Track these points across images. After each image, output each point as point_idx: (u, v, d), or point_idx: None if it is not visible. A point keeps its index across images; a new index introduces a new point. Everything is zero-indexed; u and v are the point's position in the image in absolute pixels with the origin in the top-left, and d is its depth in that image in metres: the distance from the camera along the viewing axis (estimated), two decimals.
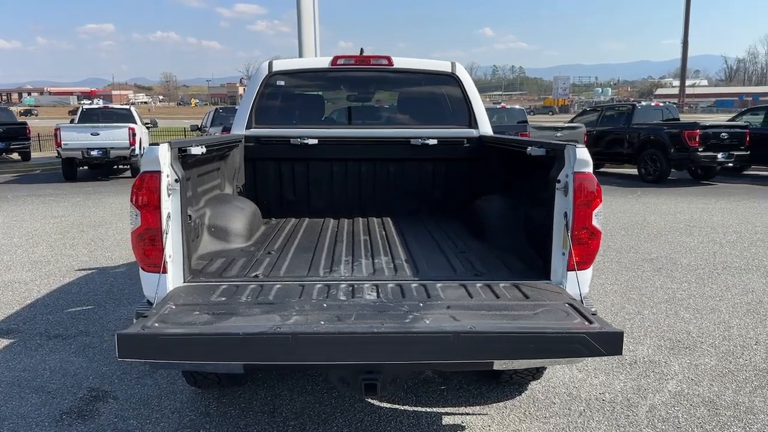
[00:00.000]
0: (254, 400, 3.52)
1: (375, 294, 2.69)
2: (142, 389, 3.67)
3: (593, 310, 2.54)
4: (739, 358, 4.15)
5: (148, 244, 2.72)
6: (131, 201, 2.73)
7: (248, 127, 4.53)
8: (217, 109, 17.12)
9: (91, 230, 8.74)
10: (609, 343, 2.18)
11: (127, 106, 18.03)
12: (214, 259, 3.25)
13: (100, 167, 15.31)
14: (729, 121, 16.64)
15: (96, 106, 18.12)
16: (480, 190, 4.45)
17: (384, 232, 4.04)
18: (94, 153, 14.09)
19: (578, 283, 2.75)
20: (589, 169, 2.74)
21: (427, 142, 4.49)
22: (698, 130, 13.48)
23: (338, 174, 4.60)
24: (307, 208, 4.64)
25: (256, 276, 2.98)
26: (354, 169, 4.59)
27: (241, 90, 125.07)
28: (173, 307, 2.47)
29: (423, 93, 4.75)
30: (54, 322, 4.86)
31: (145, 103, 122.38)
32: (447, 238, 3.78)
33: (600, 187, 2.77)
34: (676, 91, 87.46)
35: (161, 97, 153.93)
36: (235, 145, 4.29)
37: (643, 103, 17.43)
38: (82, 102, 63.34)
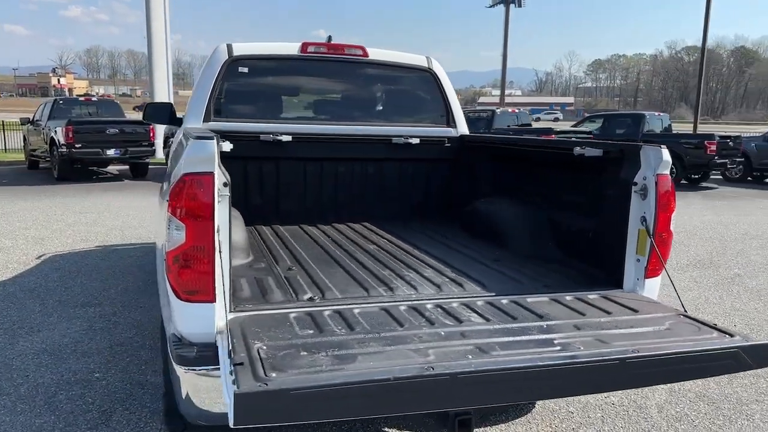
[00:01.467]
0: None
1: (476, 315, 2.32)
2: None
3: (710, 321, 2.41)
4: None
5: (195, 266, 2.11)
6: (170, 212, 2.10)
7: (206, 120, 3.86)
8: (56, 100, 14.95)
9: None
10: (760, 356, 2.06)
11: None
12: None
13: None
14: (572, 127, 18.36)
15: None
16: (462, 193, 4.22)
17: (385, 240, 3.64)
18: None
19: (655, 290, 2.63)
20: (668, 171, 2.62)
21: (410, 141, 4.16)
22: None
23: (313, 175, 4.09)
24: (276, 213, 4.07)
25: (312, 299, 2.47)
26: (330, 170, 4.12)
27: (54, 80, 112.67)
28: (264, 347, 1.91)
29: (399, 88, 4.40)
30: None
31: None
32: (464, 245, 3.49)
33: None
34: (495, 99, 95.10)
35: None
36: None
37: (501, 110, 18.49)
38: None
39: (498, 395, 1.83)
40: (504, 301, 2.49)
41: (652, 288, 2.70)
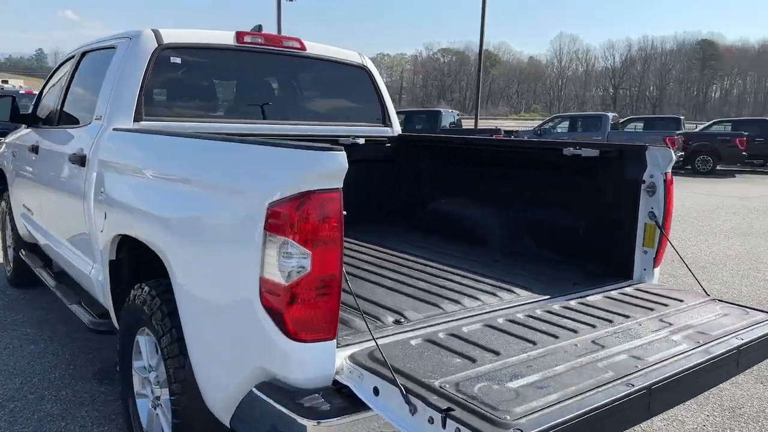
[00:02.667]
0: None
1: (571, 321, 2.27)
2: None
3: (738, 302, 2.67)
4: None
5: (321, 300, 1.77)
6: (291, 237, 1.72)
7: (137, 119, 3.23)
8: None
9: None
10: None
11: None
12: None
13: None
14: (537, 128, 20.53)
15: None
16: (405, 194, 4.14)
17: (368, 248, 3.41)
18: None
19: (657, 278, 2.87)
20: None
21: (357, 141, 3.94)
22: (502, 135, 16.90)
23: None
24: None
25: (399, 322, 2.21)
26: None
27: None
28: (446, 384, 1.66)
29: (335, 85, 4.14)
30: None
31: None
32: (451, 250, 3.42)
33: None
34: None
35: None
36: None
37: (444, 110, 20.29)
38: None
39: (680, 397, 1.85)
40: (573, 303, 2.50)
41: (656, 276, 2.94)
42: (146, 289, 2.58)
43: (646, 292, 2.70)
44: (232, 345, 2.00)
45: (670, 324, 2.28)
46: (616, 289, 2.74)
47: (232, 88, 3.76)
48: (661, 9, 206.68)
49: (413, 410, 1.60)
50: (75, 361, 3.99)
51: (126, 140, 2.88)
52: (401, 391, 1.64)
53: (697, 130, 23.58)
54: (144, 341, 2.72)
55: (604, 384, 1.70)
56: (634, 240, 2.90)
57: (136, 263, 3.00)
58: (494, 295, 2.58)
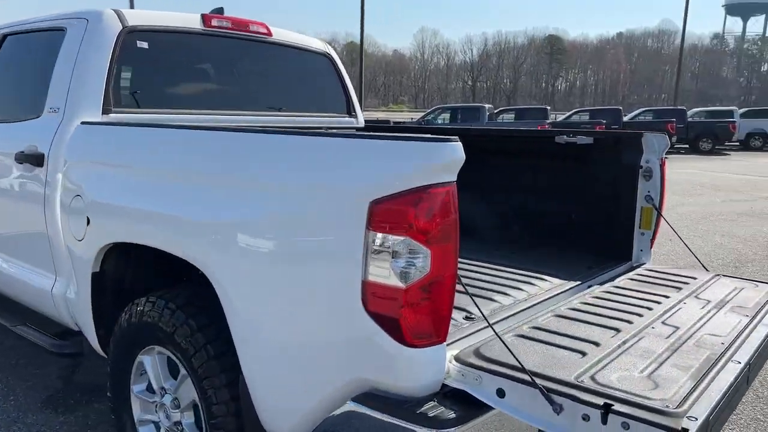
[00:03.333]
0: None
1: (638, 306, 2.30)
2: None
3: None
4: None
5: (438, 302, 1.65)
6: (409, 235, 1.58)
7: (106, 111, 2.84)
8: None
9: None
10: None
11: None
12: None
13: None
14: (421, 119, 19.81)
15: None
16: None
17: None
18: None
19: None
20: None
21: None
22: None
23: None
24: None
25: (469, 317, 2.12)
26: None
27: None
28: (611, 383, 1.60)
29: (301, 73, 3.90)
30: None
31: None
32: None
33: None
34: None
35: None
36: None
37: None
38: None
39: (759, 369, 1.94)
40: (608, 287, 2.56)
41: (652, 256, 3.11)
42: (160, 302, 2.28)
43: (659, 272, 2.83)
44: (316, 358, 1.81)
45: (708, 300, 2.40)
46: (630, 270, 2.84)
47: (200, 77, 3.42)
48: (513, 5, 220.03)
49: (558, 409, 1.54)
50: (13, 391, 3.47)
51: (123, 135, 2.50)
52: (541, 390, 1.57)
53: (560, 119, 25.41)
54: (151, 361, 2.41)
55: (715, 363, 1.74)
56: (633, 223, 3.03)
57: (123, 274, 2.66)
58: (532, 284, 2.58)
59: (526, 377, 1.61)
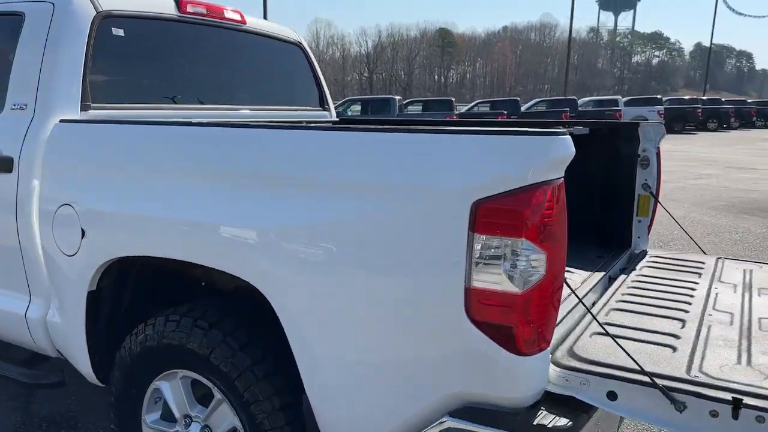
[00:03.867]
0: None
1: (678, 293, 2.32)
2: None
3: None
4: None
5: (551, 306, 1.56)
6: (525, 236, 1.48)
7: (84, 107, 2.50)
8: None
9: None
10: None
11: None
12: None
13: None
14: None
15: None
16: None
17: None
18: None
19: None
20: None
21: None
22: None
23: None
24: None
25: None
26: None
27: None
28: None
29: (275, 64, 3.65)
30: None
31: None
32: None
33: None
34: None
35: None
36: None
37: None
38: None
39: None
40: (635, 276, 2.57)
41: (648, 242, 3.19)
42: (187, 321, 2.04)
43: (671, 258, 2.91)
44: (403, 376, 1.67)
45: (733, 284, 2.48)
46: (635, 258, 2.90)
47: (178, 67, 3.10)
48: None
49: (681, 407, 1.51)
50: None
51: (132, 134, 2.19)
52: (662, 390, 1.53)
53: (462, 111, 26.05)
54: (172, 387, 2.16)
55: None
56: (632, 211, 3.10)
57: (122, 293, 2.37)
58: None
59: (641, 378, 1.57)
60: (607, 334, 1.75)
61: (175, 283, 2.46)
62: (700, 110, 32.92)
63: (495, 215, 1.50)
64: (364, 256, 1.65)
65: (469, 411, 1.61)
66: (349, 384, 1.76)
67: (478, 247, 1.52)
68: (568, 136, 1.53)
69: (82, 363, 2.41)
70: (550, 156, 1.51)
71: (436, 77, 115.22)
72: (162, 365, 2.14)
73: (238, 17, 3.29)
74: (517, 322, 1.52)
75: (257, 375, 1.93)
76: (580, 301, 1.86)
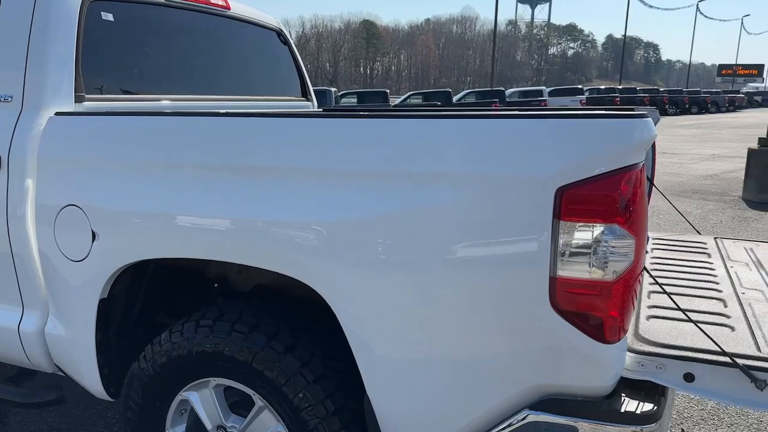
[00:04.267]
0: None
1: (701, 274, 2.36)
2: None
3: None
4: None
5: (632, 291, 1.55)
6: (615, 222, 1.45)
7: (79, 99, 2.29)
8: None
9: None
10: None
11: None
12: None
13: None
14: None
15: None
16: None
17: None
18: None
19: None
20: None
21: None
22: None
23: None
24: None
25: None
26: None
27: None
28: None
29: (258, 52, 3.47)
30: None
31: None
32: None
33: None
34: None
35: None
36: None
37: None
38: None
39: None
40: (650, 258, 2.61)
41: None
42: (222, 325, 1.91)
43: (672, 239, 2.97)
44: (479, 371, 1.61)
45: (744, 263, 2.56)
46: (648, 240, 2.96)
47: (167, 55, 2.89)
48: None
49: (763, 386, 1.53)
50: None
51: (157, 126, 1.99)
52: (743, 370, 1.54)
53: (396, 102, 26.15)
54: (203, 397, 2.03)
55: None
56: None
57: (134, 299, 2.21)
58: None
59: (720, 358, 1.58)
60: (689, 320, 1.75)
61: (190, 285, 2.31)
62: (618, 99, 34.47)
63: (582, 201, 1.47)
64: (440, 250, 1.57)
65: (550, 403, 1.58)
66: (417, 383, 1.68)
67: (564, 236, 1.48)
68: (650, 120, 1.51)
69: (90, 377, 2.21)
70: (636, 139, 1.49)
71: (361, 69, 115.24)
72: (192, 374, 1.99)
73: (221, 2, 3.11)
74: (606, 311, 1.49)
75: (307, 378, 1.82)
76: (661, 287, 1.85)
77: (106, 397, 2.26)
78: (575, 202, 1.47)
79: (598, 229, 1.46)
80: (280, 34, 3.59)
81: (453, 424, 1.68)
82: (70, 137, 2.13)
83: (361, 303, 1.67)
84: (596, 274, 1.48)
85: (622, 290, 1.50)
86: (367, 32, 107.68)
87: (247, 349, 1.86)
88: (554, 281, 1.50)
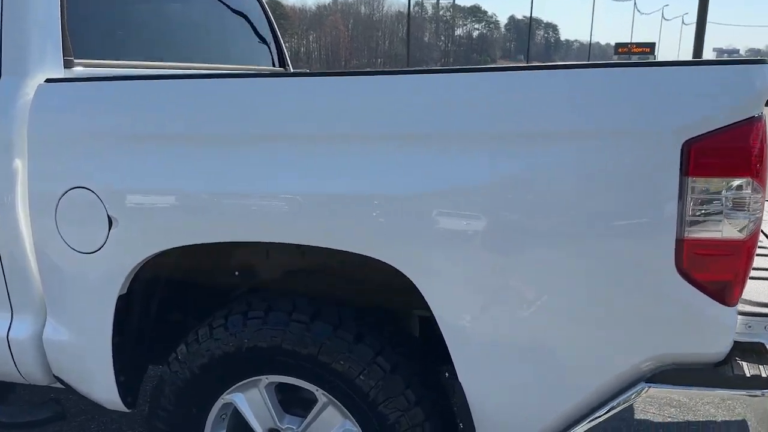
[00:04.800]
0: None
1: None
2: None
3: None
4: None
5: (755, 251, 1.46)
6: (751, 177, 1.35)
7: (68, 63, 1.95)
8: None
9: None
10: None
11: None
12: None
13: None
14: None
15: None
16: None
17: None
18: None
19: None
20: None
21: None
22: None
23: None
24: None
25: None
26: None
27: None
28: None
29: (229, 16, 3.15)
30: None
31: None
32: None
33: None
34: None
35: None
36: None
37: None
38: None
39: None
40: None
41: None
42: (278, 315, 1.68)
43: None
44: (592, 346, 1.49)
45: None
46: None
47: (153, 21, 2.53)
48: None
49: None
50: None
51: (187, 92, 1.70)
52: None
53: None
54: (252, 398, 1.79)
55: None
56: None
57: (152, 295, 1.93)
58: None
59: None
60: None
61: (212, 275, 2.04)
62: None
63: (713, 155, 1.36)
64: (554, 217, 1.42)
65: (668, 374, 1.48)
66: (520, 366, 1.53)
67: (693, 193, 1.36)
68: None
69: (103, 386, 1.91)
70: (759, 87, 1.38)
71: None
72: (240, 374, 1.75)
73: None
74: (735, 271, 1.40)
75: (384, 368, 1.63)
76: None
77: (123, 409, 1.97)
78: (705, 156, 1.35)
79: (732, 183, 1.36)
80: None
81: (554, 409, 1.55)
82: (71, 108, 1.79)
83: (457, 283, 1.50)
84: (729, 233, 1.38)
85: (750, 248, 1.41)
86: (274, 12, 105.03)
87: (311, 341, 1.64)
88: (681, 243, 1.38)
